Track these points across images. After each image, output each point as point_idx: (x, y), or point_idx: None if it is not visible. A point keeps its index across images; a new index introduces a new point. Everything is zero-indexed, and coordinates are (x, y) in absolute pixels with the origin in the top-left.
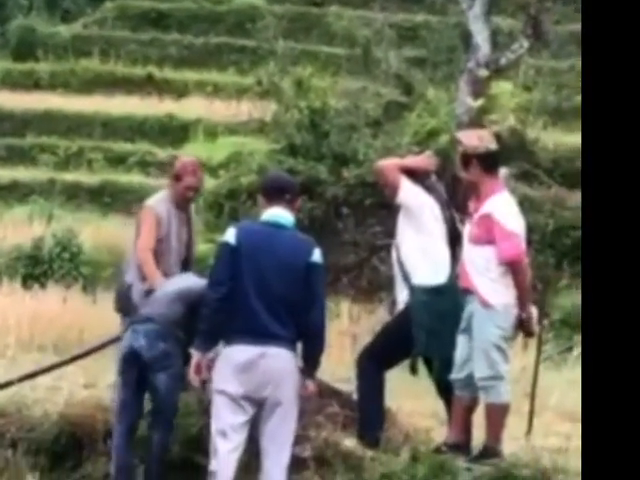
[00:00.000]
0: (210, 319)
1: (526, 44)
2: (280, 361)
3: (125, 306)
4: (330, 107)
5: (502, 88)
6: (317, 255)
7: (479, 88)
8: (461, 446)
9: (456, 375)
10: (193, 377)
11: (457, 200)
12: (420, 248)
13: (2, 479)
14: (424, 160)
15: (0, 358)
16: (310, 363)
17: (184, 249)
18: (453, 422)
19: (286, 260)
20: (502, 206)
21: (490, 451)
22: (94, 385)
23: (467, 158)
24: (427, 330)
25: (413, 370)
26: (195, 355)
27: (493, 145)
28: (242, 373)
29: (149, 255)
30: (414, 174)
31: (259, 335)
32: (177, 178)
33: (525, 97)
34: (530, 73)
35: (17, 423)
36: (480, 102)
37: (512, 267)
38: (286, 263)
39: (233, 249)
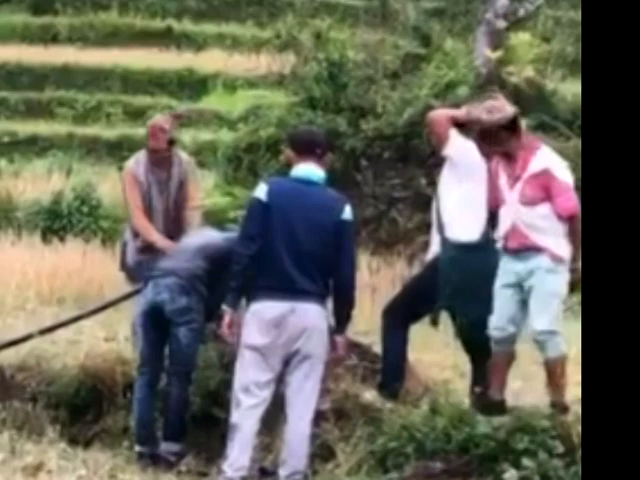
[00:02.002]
0: (241, 275)
1: None
2: (310, 316)
3: (123, 264)
4: (348, 59)
5: (520, 39)
6: (348, 212)
7: (497, 39)
8: (504, 402)
9: (501, 333)
10: (226, 333)
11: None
12: (460, 202)
13: (23, 432)
14: (477, 113)
15: (20, 311)
16: (340, 319)
17: (172, 208)
18: (495, 378)
19: (317, 217)
20: (553, 159)
21: (559, 406)
22: (114, 338)
23: (493, 132)
24: (453, 285)
25: (434, 322)
26: (227, 311)
27: (511, 109)
28: (273, 328)
29: (140, 214)
30: (465, 127)
31: (289, 291)
32: (147, 139)
33: (544, 48)
34: (549, 24)
35: (37, 377)
36: (498, 53)
37: (571, 221)
38: (317, 220)
39: (264, 205)
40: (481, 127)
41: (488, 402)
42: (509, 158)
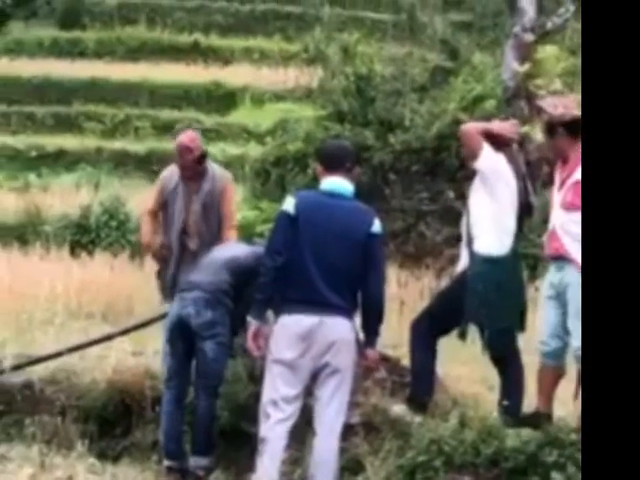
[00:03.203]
0: (267, 287)
1: (572, 8)
2: (338, 330)
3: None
4: (376, 73)
5: (548, 52)
6: (377, 226)
7: (525, 53)
8: (550, 416)
9: (547, 347)
10: (252, 346)
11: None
12: (490, 216)
13: (52, 446)
14: (509, 128)
15: (49, 325)
16: (370, 332)
17: (201, 221)
18: (542, 392)
19: (346, 230)
20: None
21: None
22: (142, 352)
23: (553, 126)
24: (480, 299)
25: (462, 336)
26: (252, 324)
27: (578, 111)
28: (301, 342)
29: (146, 217)
30: (497, 141)
31: (317, 304)
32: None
33: (571, 61)
34: (576, 37)
35: (66, 391)
36: (526, 67)
37: None
38: (346, 233)
39: (292, 218)
40: (545, 119)
41: (534, 415)
42: (564, 162)
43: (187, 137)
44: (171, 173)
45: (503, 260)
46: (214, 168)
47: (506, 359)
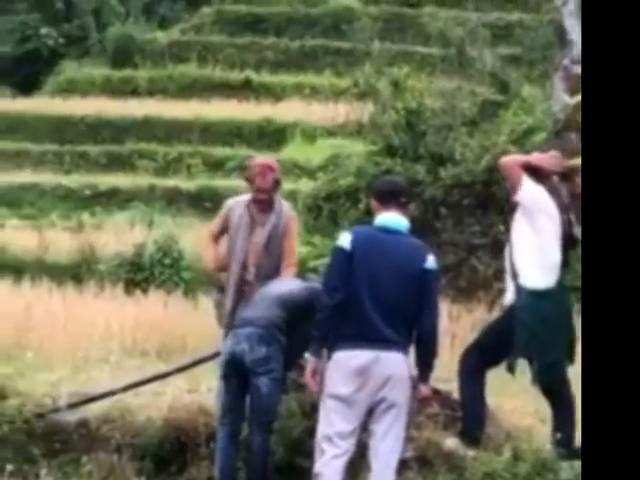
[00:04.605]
0: (325, 324)
1: None
2: (393, 365)
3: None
4: (426, 107)
5: None
6: (432, 261)
7: (575, 85)
8: None
9: None
10: (310, 382)
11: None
12: (533, 249)
13: None
14: (549, 159)
15: (104, 364)
16: (424, 368)
17: (263, 255)
18: None
19: (401, 266)
20: None
21: None
22: (197, 390)
23: None
24: (528, 332)
25: (510, 369)
26: (310, 361)
27: None
28: (357, 377)
29: (208, 237)
30: (538, 173)
31: (373, 340)
32: (249, 180)
33: None
34: None
35: (122, 429)
36: (576, 99)
37: None
38: (400, 269)
39: (348, 254)
40: None
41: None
42: None
43: (268, 159)
44: (236, 202)
45: (549, 293)
46: (282, 203)
47: (557, 391)
